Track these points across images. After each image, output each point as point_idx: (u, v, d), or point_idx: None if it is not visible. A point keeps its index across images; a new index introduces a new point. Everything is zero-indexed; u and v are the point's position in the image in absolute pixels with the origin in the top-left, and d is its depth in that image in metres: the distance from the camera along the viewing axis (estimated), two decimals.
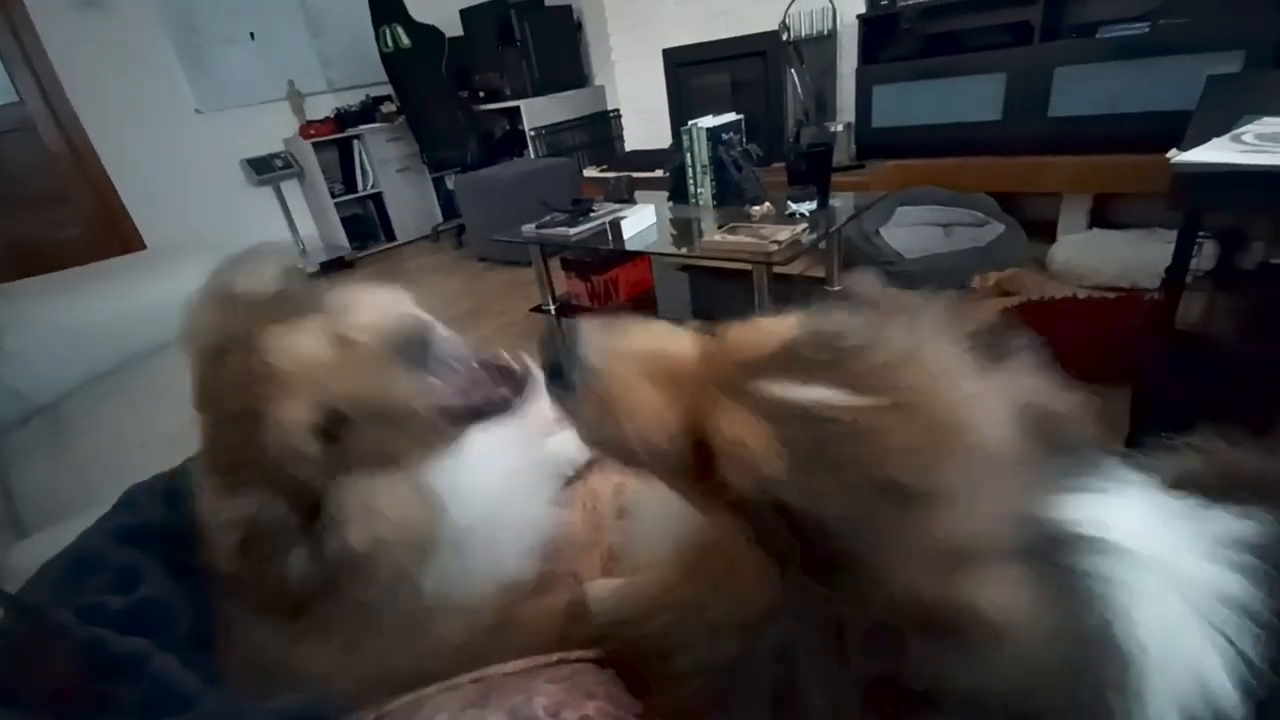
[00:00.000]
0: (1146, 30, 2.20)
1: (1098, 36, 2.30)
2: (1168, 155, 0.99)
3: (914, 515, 0.30)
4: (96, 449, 1.18)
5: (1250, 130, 1.01)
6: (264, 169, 3.96)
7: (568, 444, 0.76)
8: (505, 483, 0.57)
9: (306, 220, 4.35)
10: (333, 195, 4.20)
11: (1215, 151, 0.95)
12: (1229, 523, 0.36)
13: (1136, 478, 0.39)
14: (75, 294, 1.54)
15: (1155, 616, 0.32)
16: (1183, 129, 1.15)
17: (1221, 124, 1.06)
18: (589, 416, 0.40)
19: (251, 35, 3.91)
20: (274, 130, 4.10)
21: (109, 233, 3.54)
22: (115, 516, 0.57)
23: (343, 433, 0.45)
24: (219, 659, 0.48)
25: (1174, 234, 1.14)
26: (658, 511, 0.46)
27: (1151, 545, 0.34)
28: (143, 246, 3.51)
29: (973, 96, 2.56)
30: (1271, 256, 1.45)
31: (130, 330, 1.54)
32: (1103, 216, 2.54)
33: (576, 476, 0.77)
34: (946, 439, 0.31)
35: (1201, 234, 1.16)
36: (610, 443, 0.39)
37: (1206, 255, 1.32)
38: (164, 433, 1.13)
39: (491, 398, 0.54)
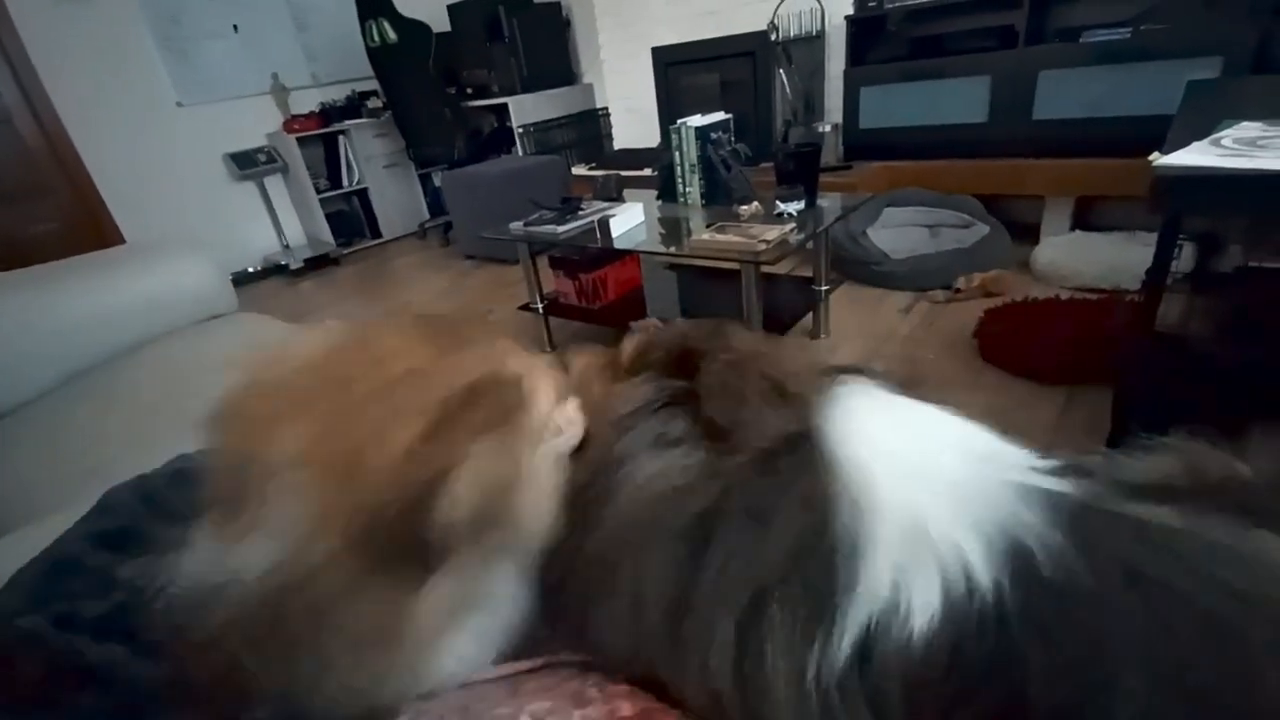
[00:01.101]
0: (1128, 36, 2.24)
1: (1081, 41, 2.33)
2: (1149, 159, 1.01)
3: None
4: (73, 449, 1.16)
5: (1229, 135, 1.03)
6: (247, 164, 3.90)
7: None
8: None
9: (291, 216, 4.29)
10: (317, 191, 4.15)
11: (1195, 155, 0.96)
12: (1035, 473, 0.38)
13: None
14: (52, 290, 1.50)
15: (900, 495, 0.37)
16: (1163, 133, 1.17)
17: (1201, 128, 1.07)
18: None
19: (235, 28, 3.85)
20: (257, 125, 4.04)
21: (87, 227, 3.47)
22: (92, 520, 0.56)
23: None
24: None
25: (1154, 237, 1.15)
26: None
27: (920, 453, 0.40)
28: (122, 241, 3.46)
29: (958, 99, 2.59)
30: (1249, 260, 1.48)
31: (109, 327, 1.51)
32: (1085, 219, 2.58)
33: None
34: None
35: (1181, 237, 1.18)
36: None
37: (1186, 258, 1.34)
38: (143, 433, 1.12)
39: None
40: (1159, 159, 0.98)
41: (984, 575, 0.33)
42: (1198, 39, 2.09)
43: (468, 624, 0.44)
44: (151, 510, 0.54)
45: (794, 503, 0.37)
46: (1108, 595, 0.32)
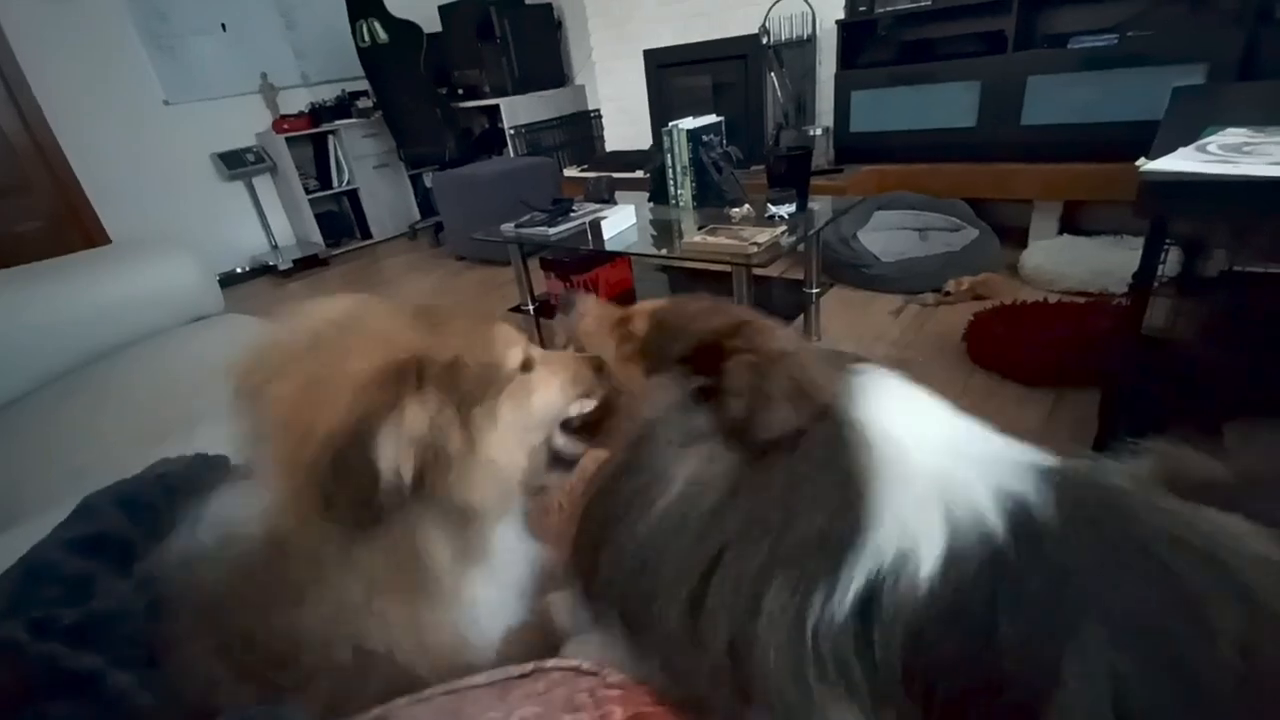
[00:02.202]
0: (1115, 42, 2.26)
1: (1069, 47, 2.35)
2: (1136, 164, 1.02)
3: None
4: (56, 451, 1.14)
5: (1214, 141, 1.04)
6: (235, 163, 3.87)
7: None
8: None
9: (279, 216, 4.26)
10: (307, 191, 4.12)
11: (1182, 161, 0.97)
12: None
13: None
14: (35, 289, 1.48)
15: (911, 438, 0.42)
16: (1150, 139, 1.18)
17: (1187, 134, 1.08)
18: None
19: (223, 26, 3.82)
20: (246, 124, 4.00)
21: (72, 226, 3.42)
22: (70, 526, 0.55)
23: None
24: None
25: (1141, 241, 1.16)
26: None
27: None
28: (107, 241, 3.41)
29: (948, 103, 2.60)
30: (1234, 264, 1.49)
31: (93, 328, 1.49)
32: (1073, 223, 2.61)
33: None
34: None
35: (1167, 241, 1.19)
36: None
37: (1171, 262, 1.36)
38: (127, 435, 1.10)
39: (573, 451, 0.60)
40: (1146, 164, 0.99)
41: (993, 523, 0.37)
42: (1183, 45, 2.12)
43: (478, 575, 0.48)
44: (131, 516, 0.53)
45: (818, 484, 0.40)
46: (1079, 542, 0.37)
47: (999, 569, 0.36)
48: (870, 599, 0.37)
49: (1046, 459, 0.42)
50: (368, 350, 0.43)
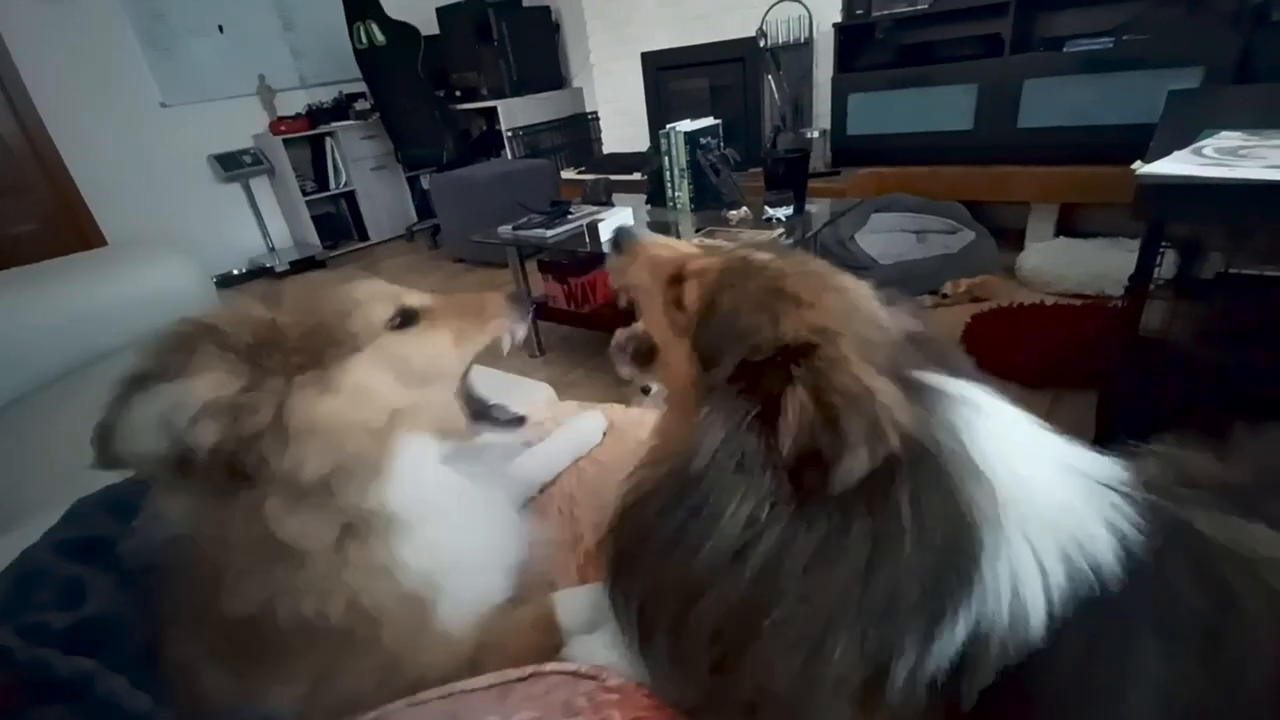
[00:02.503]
0: (1111, 46, 2.27)
1: (1065, 50, 2.36)
2: (1132, 167, 1.02)
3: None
4: (50, 455, 1.13)
5: (1210, 144, 1.04)
6: (232, 165, 3.86)
7: (532, 463, 0.75)
8: (473, 511, 0.56)
9: (276, 218, 4.25)
10: (304, 193, 4.11)
11: (1178, 164, 0.97)
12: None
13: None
14: (30, 292, 1.47)
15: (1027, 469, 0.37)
16: (1146, 142, 1.18)
17: (1183, 138, 1.09)
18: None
19: (220, 28, 3.82)
20: (243, 125, 3.99)
21: (68, 228, 3.41)
22: (61, 530, 0.54)
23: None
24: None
25: (1137, 243, 1.17)
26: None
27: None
28: (103, 243, 3.40)
29: (945, 106, 2.61)
30: (1229, 266, 1.50)
31: (88, 330, 1.47)
32: (1069, 225, 2.61)
33: (552, 482, 0.76)
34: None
35: (1164, 244, 1.19)
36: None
37: (1168, 264, 1.36)
38: None
39: (508, 411, 0.59)
40: (1142, 167, 0.99)
41: (1110, 572, 0.34)
42: (1179, 49, 2.13)
43: (383, 541, 0.47)
44: (122, 520, 0.53)
45: (908, 530, 0.34)
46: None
47: (1126, 633, 0.33)
48: (963, 667, 0.33)
49: (1122, 475, 0.39)
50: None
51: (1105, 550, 0.34)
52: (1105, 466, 0.39)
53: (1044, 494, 0.36)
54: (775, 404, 0.36)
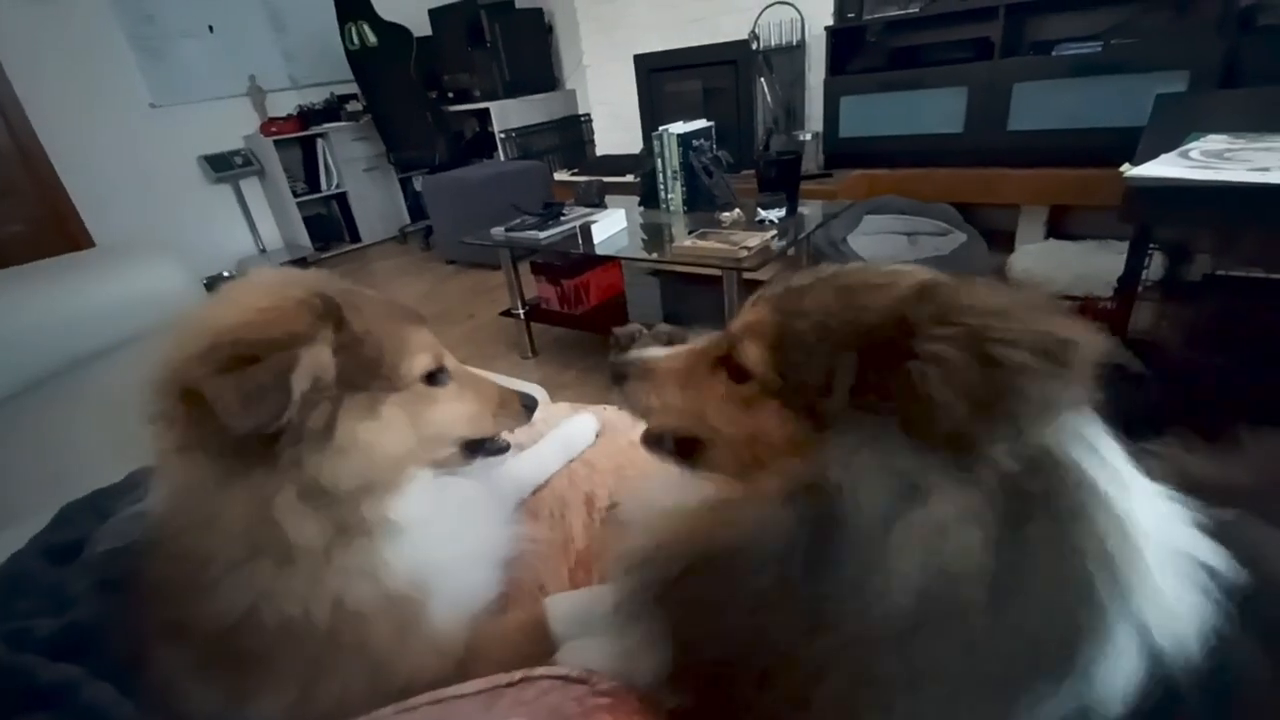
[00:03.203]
0: (1099, 50, 2.29)
1: (1054, 54, 2.38)
2: (1121, 169, 1.03)
3: None
4: (36, 458, 1.12)
5: (1197, 147, 1.05)
6: (222, 166, 3.83)
7: (523, 466, 0.75)
8: (462, 512, 0.57)
9: (267, 220, 4.22)
10: (295, 194, 4.09)
11: (1165, 167, 0.99)
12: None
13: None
14: (16, 293, 1.45)
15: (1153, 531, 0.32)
16: (1134, 145, 1.19)
17: (1170, 141, 1.10)
18: None
19: (210, 28, 3.79)
20: (233, 127, 3.97)
21: (55, 230, 3.37)
22: (47, 535, 0.54)
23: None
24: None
25: (1126, 245, 1.18)
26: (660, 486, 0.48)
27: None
28: (91, 245, 3.36)
29: (936, 109, 2.62)
30: (1216, 268, 1.51)
31: (75, 332, 1.46)
32: (1059, 227, 2.63)
33: (544, 485, 0.76)
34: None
35: (1151, 246, 1.20)
36: None
37: (1156, 266, 1.37)
38: (109, 442, 1.08)
39: (499, 442, 0.60)
40: (1130, 170, 1.00)
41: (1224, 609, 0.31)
42: (1166, 54, 2.15)
43: (375, 545, 0.48)
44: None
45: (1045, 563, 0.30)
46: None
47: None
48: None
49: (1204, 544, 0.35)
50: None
51: (1190, 638, 0.31)
52: (1191, 536, 0.35)
53: (1160, 566, 0.32)
54: (917, 400, 0.30)
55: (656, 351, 0.49)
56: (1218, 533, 0.35)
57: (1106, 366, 0.32)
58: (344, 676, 0.45)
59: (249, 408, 0.39)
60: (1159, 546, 0.32)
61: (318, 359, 0.43)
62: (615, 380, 0.49)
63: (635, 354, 0.49)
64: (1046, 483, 0.30)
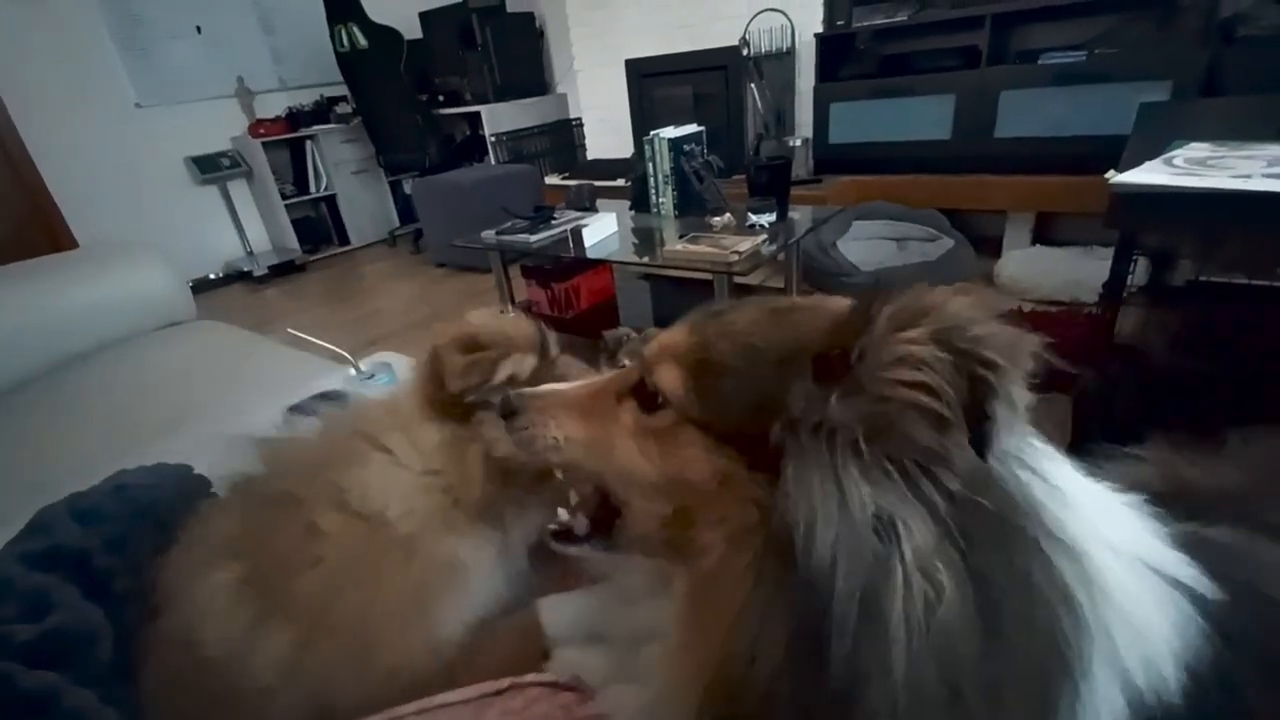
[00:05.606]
0: (1084, 59, 2.32)
1: (1039, 63, 2.41)
2: (1105, 176, 1.04)
3: None
4: (18, 461, 1.10)
5: (1180, 154, 1.07)
6: (209, 168, 3.79)
7: None
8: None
9: (255, 222, 4.18)
10: (283, 197, 4.05)
11: (1149, 174, 1.00)
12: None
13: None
14: None
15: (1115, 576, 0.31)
16: (1118, 152, 1.21)
17: (1154, 148, 1.11)
18: None
19: (198, 29, 3.76)
20: (221, 128, 3.93)
21: (38, 230, 3.32)
22: (24, 540, 0.52)
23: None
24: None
25: (1111, 251, 1.19)
26: None
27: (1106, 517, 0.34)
28: (74, 245, 3.32)
29: (924, 116, 2.65)
30: (1199, 274, 1.53)
31: (58, 334, 1.44)
32: (1046, 234, 2.66)
33: None
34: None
35: (1136, 252, 1.22)
36: None
37: (1140, 272, 1.39)
38: (92, 445, 1.07)
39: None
40: (1115, 177, 1.01)
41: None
42: (1149, 63, 2.18)
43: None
44: (88, 528, 0.51)
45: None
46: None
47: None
48: None
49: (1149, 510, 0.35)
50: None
51: (1170, 669, 0.30)
52: (1170, 557, 0.33)
53: (1127, 594, 0.30)
54: (892, 411, 0.27)
55: (556, 386, 0.46)
56: (1189, 544, 0.34)
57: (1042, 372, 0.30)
58: (341, 636, 0.46)
59: (464, 376, 0.54)
60: (1126, 569, 0.31)
61: (519, 364, 0.56)
62: (504, 414, 0.44)
63: (528, 389, 0.45)
64: (995, 503, 0.28)
